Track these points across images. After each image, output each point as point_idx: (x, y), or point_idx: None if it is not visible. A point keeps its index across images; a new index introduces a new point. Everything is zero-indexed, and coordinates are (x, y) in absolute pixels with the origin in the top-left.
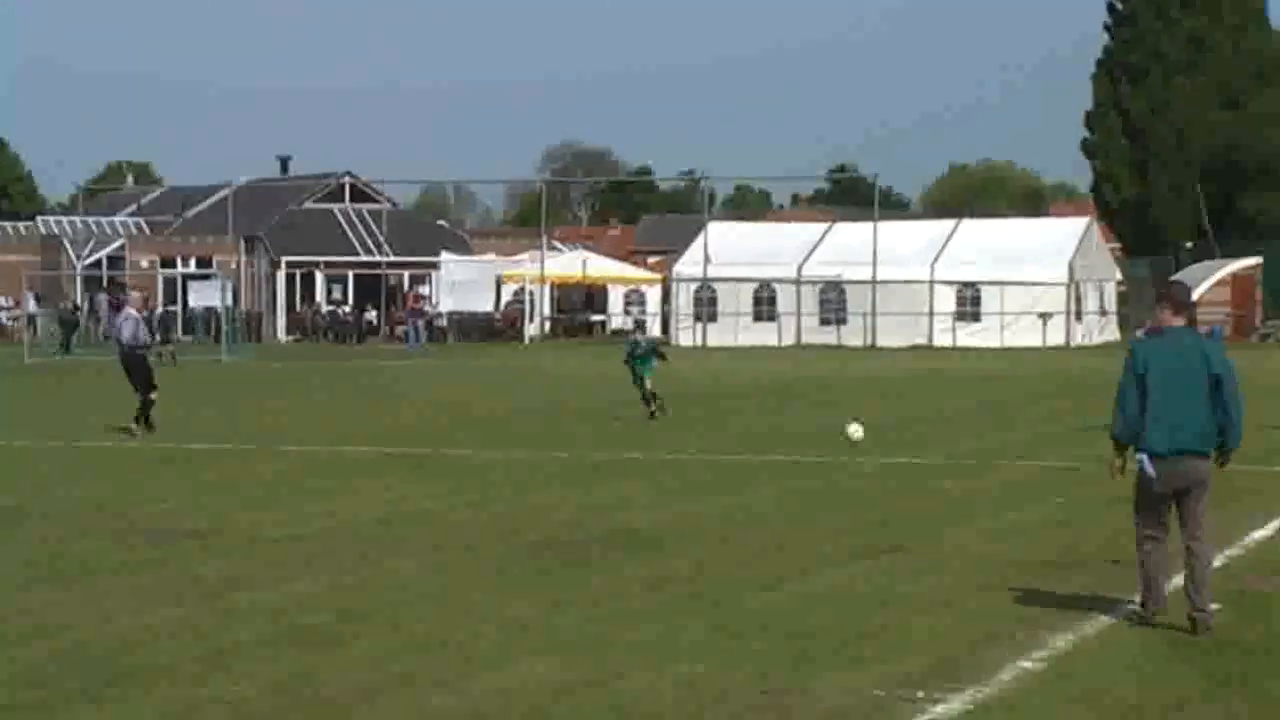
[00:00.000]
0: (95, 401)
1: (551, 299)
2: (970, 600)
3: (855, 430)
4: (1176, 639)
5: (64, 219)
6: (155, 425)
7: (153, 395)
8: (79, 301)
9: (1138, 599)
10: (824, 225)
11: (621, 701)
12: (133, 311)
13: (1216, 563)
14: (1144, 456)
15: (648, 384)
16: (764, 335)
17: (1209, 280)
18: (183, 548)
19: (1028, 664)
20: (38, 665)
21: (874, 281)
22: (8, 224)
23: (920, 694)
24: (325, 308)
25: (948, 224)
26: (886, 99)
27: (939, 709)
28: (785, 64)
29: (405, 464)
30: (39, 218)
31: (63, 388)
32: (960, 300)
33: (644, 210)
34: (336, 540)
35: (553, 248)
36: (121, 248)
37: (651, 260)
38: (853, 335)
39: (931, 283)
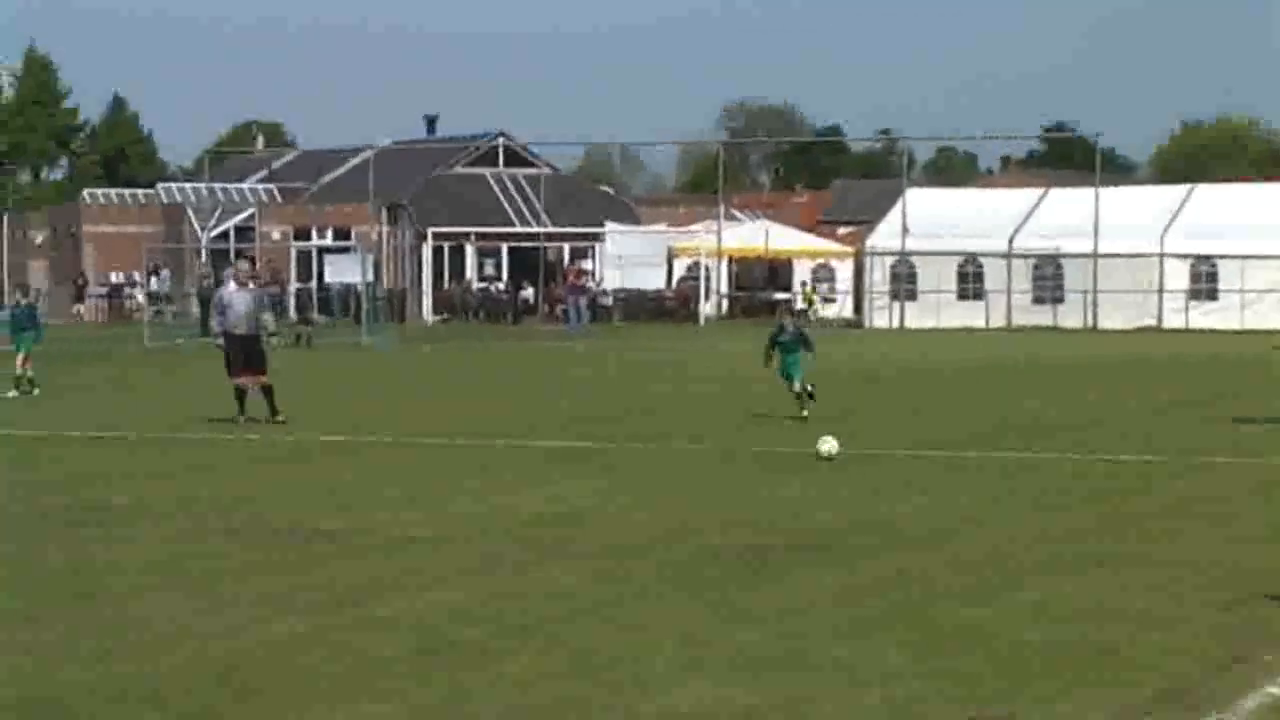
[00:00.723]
0: (225, 389)
1: (729, 275)
2: (1207, 615)
3: (827, 446)
4: None
5: (187, 186)
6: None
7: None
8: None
9: None
10: (1038, 192)
11: None
12: (235, 289)
13: None
14: None
15: (796, 385)
16: (969, 316)
17: None
18: (317, 550)
19: (1277, 690)
20: (157, 680)
21: (1095, 255)
22: (126, 191)
23: None
24: (476, 284)
25: (1179, 190)
26: (1108, 46)
27: None
28: (990, 8)
29: (566, 458)
30: (160, 185)
31: (191, 373)
32: (1194, 276)
33: (834, 175)
34: (489, 543)
35: (731, 217)
36: (251, 218)
37: (842, 231)
38: (1070, 316)
39: (1161, 256)
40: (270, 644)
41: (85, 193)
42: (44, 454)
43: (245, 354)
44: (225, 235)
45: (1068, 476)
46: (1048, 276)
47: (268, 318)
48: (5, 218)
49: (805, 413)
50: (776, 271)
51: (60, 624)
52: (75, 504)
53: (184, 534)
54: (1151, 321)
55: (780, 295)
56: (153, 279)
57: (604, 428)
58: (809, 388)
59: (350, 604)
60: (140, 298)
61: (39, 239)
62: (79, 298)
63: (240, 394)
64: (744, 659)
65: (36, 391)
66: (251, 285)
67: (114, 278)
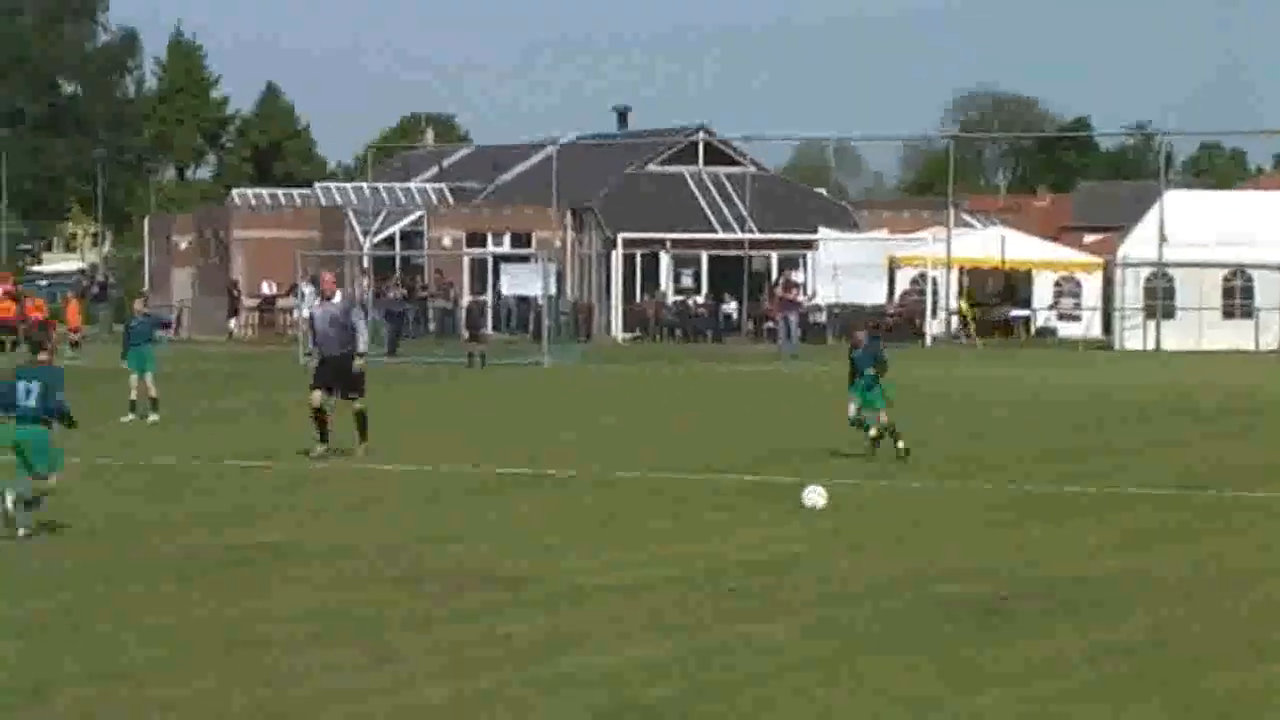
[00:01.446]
0: (403, 416)
1: (960, 288)
2: None
3: (813, 497)
4: None
5: (348, 186)
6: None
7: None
8: (406, 288)
9: None
10: None
11: None
12: (319, 304)
13: None
14: None
15: (872, 428)
16: (1237, 337)
17: None
18: (491, 599)
19: None
20: None
21: None
22: (280, 192)
23: None
24: (672, 298)
25: None
26: None
27: None
28: None
29: (772, 495)
30: (318, 185)
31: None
32: None
33: (1080, 175)
34: (686, 592)
35: (961, 223)
36: (419, 221)
37: (1089, 239)
38: None
39: None
40: (443, 703)
41: (235, 193)
42: (187, 486)
43: (336, 376)
44: (390, 241)
45: None
46: None
47: (359, 330)
48: (147, 221)
49: (888, 447)
50: (1014, 285)
51: (211, 676)
52: (224, 544)
53: (344, 579)
54: None
55: (1019, 312)
56: (309, 290)
57: (814, 462)
58: (883, 427)
59: (529, 659)
60: (305, 310)
61: (183, 244)
62: (233, 310)
63: (319, 417)
64: None
65: (153, 418)
66: (338, 297)
67: (265, 288)
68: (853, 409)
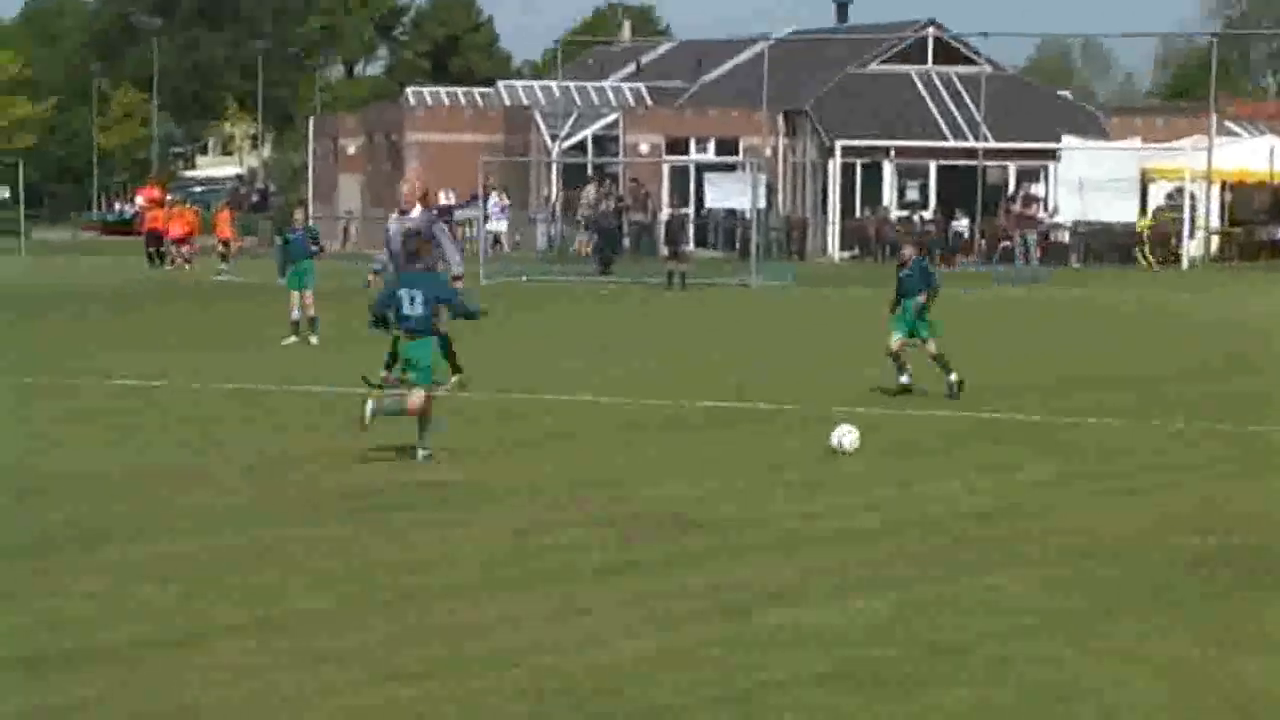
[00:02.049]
0: (596, 340)
1: (1223, 206)
2: None
3: (844, 438)
4: None
5: (535, 85)
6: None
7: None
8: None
9: None
10: None
11: None
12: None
13: None
14: None
15: (930, 346)
16: None
17: None
18: (691, 545)
19: None
20: (494, 701)
21: None
22: (459, 90)
23: None
24: (897, 212)
25: None
26: None
27: None
28: None
29: (1010, 436)
30: (501, 84)
31: (543, 317)
32: None
33: None
34: (913, 542)
35: (1226, 131)
36: (614, 125)
37: None
38: None
39: None
40: (636, 661)
41: (409, 91)
42: (350, 417)
43: None
44: (582, 147)
45: None
46: None
47: (445, 248)
48: (311, 122)
49: (949, 378)
50: None
51: (380, 628)
52: (397, 481)
53: (532, 522)
54: None
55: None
56: (492, 198)
57: (1058, 399)
58: (934, 358)
59: (736, 613)
60: (494, 225)
61: (351, 148)
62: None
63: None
64: (1247, 698)
65: (314, 339)
66: (417, 210)
67: (443, 197)
68: (895, 340)
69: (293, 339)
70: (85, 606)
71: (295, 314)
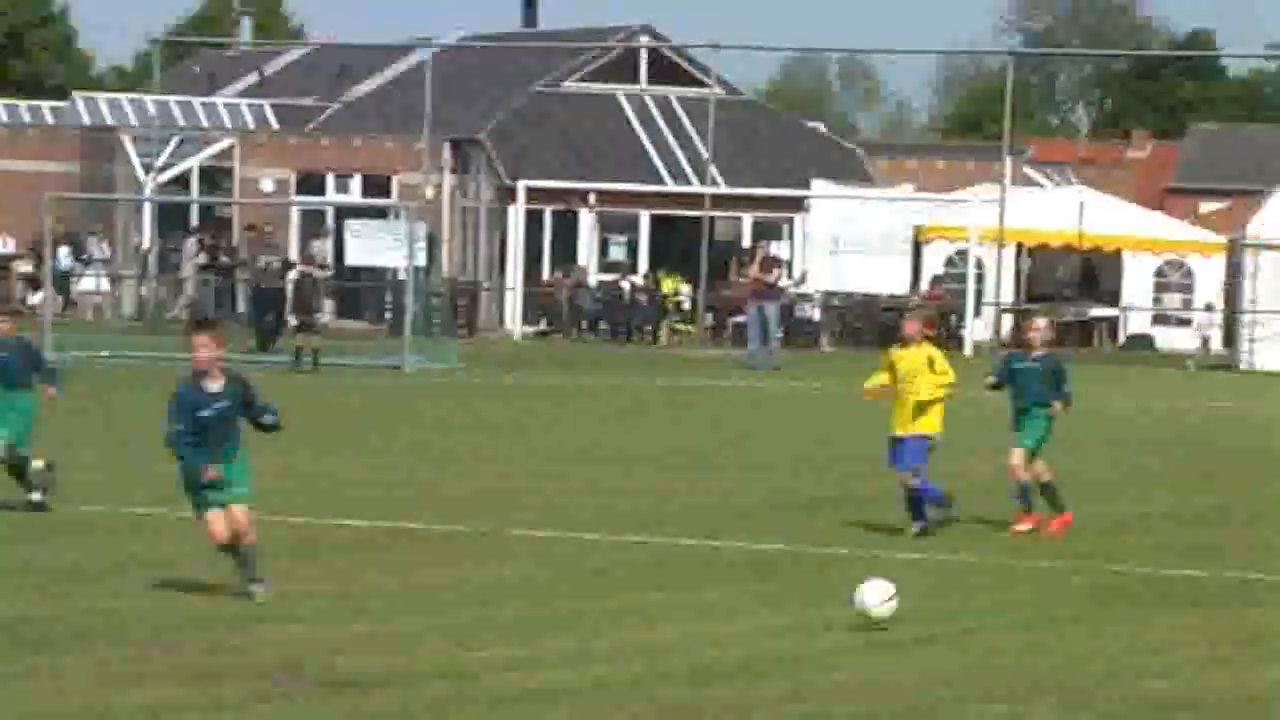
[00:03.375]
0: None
1: (1017, 276)
2: None
3: (873, 599)
4: None
5: (123, 99)
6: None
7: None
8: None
9: None
10: None
11: None
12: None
13: None
14: None
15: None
16: None
17: None
18: (336, 706)
19: None
20: None
21: None
22: (24, 105)
23: None
24: (596, 276)
25: None
26: None
27: None
28: None
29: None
30: (78, 95)
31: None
32: None
33: (1195, 113)
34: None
35: (1024, 179)
36: (228, 153)
37: (1206, 209)
38: None
39: None
40: None
41: None
42: None
43: None
44: (185, 182)
45: None
46: None
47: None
48: None
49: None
50: (1096, 272)
51: None
52: None
53: (114, 674)
54: None
55: (1101, 311)
56: (61, 250)
57: (810, 521)
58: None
59: None
60: (88, 284)
61: None
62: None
63: None
64: None
65: None
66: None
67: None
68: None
69: None
70: None
71: None
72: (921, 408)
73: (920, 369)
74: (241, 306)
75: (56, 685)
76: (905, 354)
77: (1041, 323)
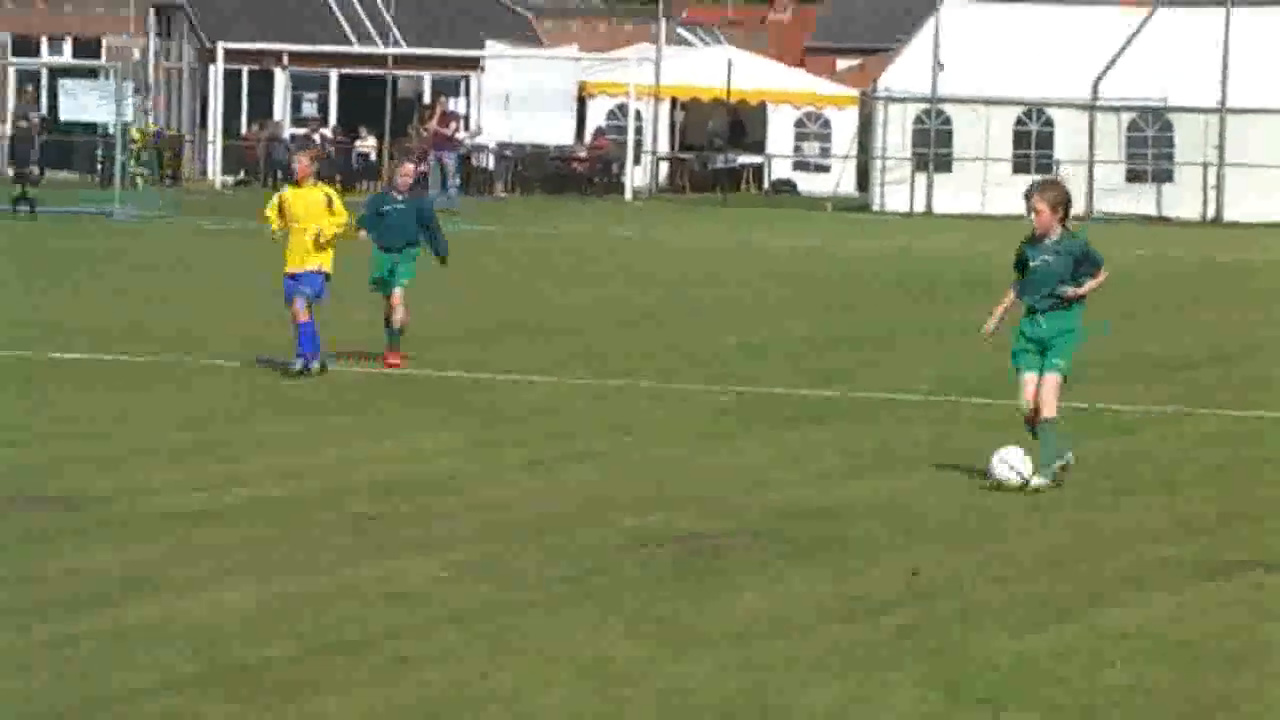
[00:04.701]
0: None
1: (672, 127)
2: None
3: (1009, 466)
4: None
5: None
6: None
7: None
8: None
9: None
10: (1139, 13)
11: None
12: None
13: None
14: None
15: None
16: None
17: None
18: (61, 524)
19: None
20: None
21: (1222, 110)
22: None
23: None
24: (290, 130)
25: None
26: None
27: None
28: None
29: (429, 394)
30: None
31: None
32: None
33: None
34: (300, 519)
35: (677, 39)
36: None
37: (842, 66)
38: (1182, 200)
39: None
40: None
41: None
42: None
43: None
44: None
45: (1181, 440)
46: (1149, 141)
47: None
48: None
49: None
50: (742, 123)
51: None
52: None
53: None
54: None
55: (748, 159)
56: None
57: (473, 351)
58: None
59: (98, 605)
60: None
61: None
62: None
63: None
64: (682, 702)
65: None
66: None
67: None
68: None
69: None
70: None
71: None
72: (319, 245)
73: (318, 210)
74: None
75: None
76: (299, 194)
77: (409, 167)
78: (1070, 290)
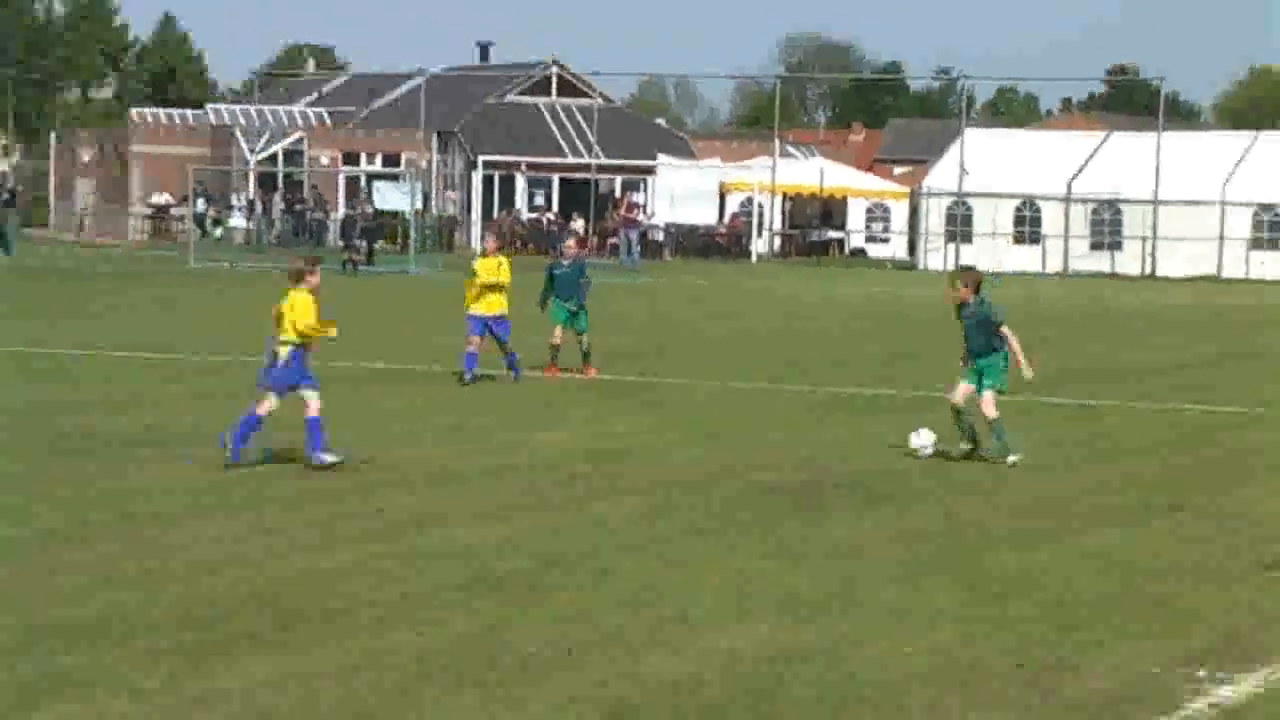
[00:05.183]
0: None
1: (783, 212)
2: (1260, 569)
3: (921, 439)
4: None
5: (236, 108)
6: None
7: None
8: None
9: None
10: (1099, 136)
11: (859, 670)
12: None
13: None
14: None
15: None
16: (1026, 260)
17: None
18: (365, 480)
19: None
20: (203, 604)
21: (1155, 202)
22: (175, 112)
23: (1202, 673)
24: (526, 215)
25: (1244, 138)
26: None
27: (1224, 691)
28: None
29: (616, 392)
30: (209, 106)
31: (241, 294)
32: (1256, 225)
33: (891, 114)
34: (536, 478)
35: (786, 154)
36: (300, 141)
37: (898, 172)
38: (1128, 262)
39: (1223, 204)
40: (313, 572)
41: (134, 112)
42: (84, 373)
43: None
44: (273, 159)
45: (1129, 425)
46: (1106, 222)
47: None
48: (53, 136)
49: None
50: (831, 210)
51: (107, 545)
52: (137, 427)
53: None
54: (1211, 270)
55: (835, 234)
56: (199, 201)
57: (659, 362)
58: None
59: (397, 534)
60: (239, 221)
61: (86, 157)
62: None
63: None
64: (791, 600)
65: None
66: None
67: (159, 199)
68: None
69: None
70: None
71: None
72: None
73: (493, 268)
74: (308, 237)
75: (194, 469)
76: (485, 262)
77: (572, 242)
78: (1029, 374)
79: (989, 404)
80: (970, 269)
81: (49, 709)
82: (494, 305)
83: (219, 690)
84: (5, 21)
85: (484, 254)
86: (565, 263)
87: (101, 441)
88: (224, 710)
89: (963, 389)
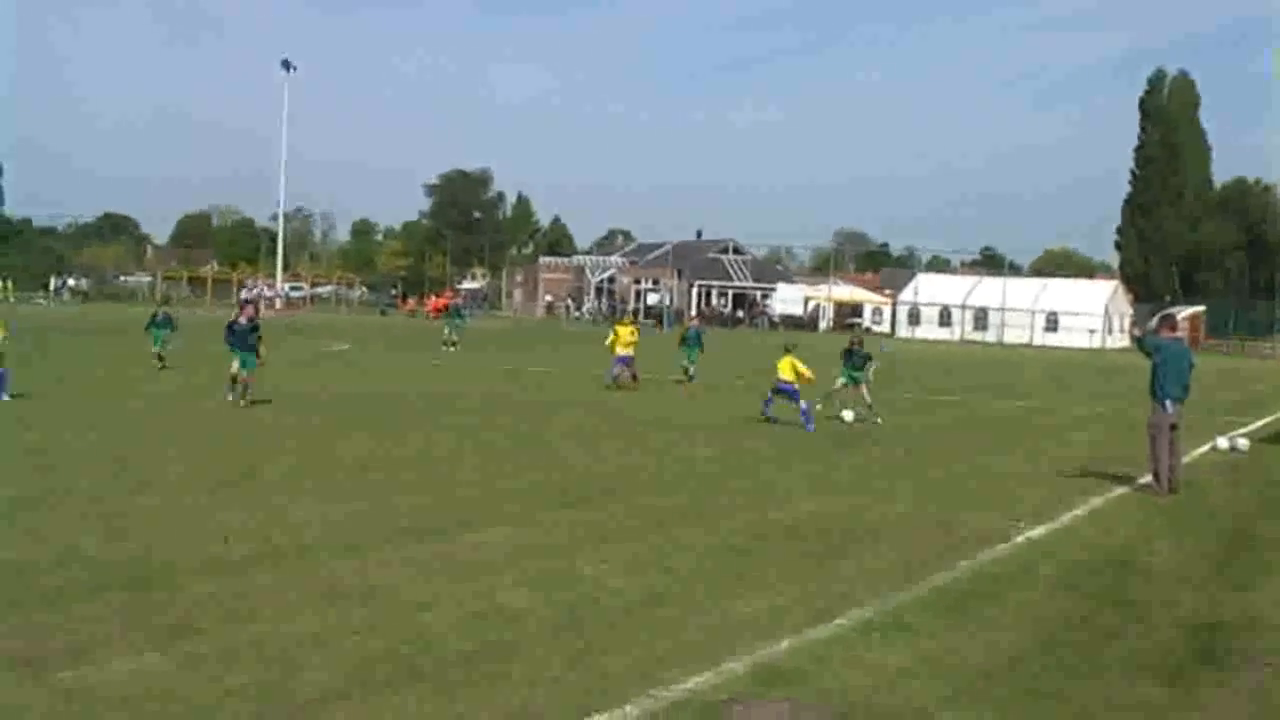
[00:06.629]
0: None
1: (835, 310)
2: (1049, 481)
3: (848, 412)
4: (1165, 504)
5: (585, 257)
6: None
7: None
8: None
9: (1148, 478)
10: (977, 278)
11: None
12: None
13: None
14: (1167, 400)
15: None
16: (945, 334)
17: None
18: (670, 503)
19: (1079, 511)
20: None
21: (1003, 309)
22: (559, 260)
23: (1021, 524)
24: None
25: (1043, 281)
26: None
27: (1032, 531)
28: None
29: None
30: (576, 256)
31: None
32: (1047, 320)
33: (884, 265)
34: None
35: (835, 283)
36: (612, 273)
37: (887, 292)
38: (992, 335)
39: (1033, 311)
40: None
41: (542, 259)
42: (548, 381)
43: None
44: (604, 281)
45: (1062, 418)
46: (983, 317)
47: None
48: (504, 272)
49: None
50: (856, 309)
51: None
52: (647, 414)
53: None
54: (1026, 339)
55: (856, 319)
56: (570, 301)
57: (724, 396)
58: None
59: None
60: (583, 310)
61: (519, 279)
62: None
63: None
64: (834, 487)
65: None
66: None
67: (548, 299)
68: (844, 390)
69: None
70: None
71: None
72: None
73: (628, 334)
74: (615, 316)
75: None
76: (622, 326)
77: (694, 314)
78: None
79: (865, 390)
80: (864, 327)
81: None
82: (628, 350)
83: None
84: (489, 223)
85: (623, 322)
86: (690, 327)
87: (626, 420)
88: None
89: (847, 388)
